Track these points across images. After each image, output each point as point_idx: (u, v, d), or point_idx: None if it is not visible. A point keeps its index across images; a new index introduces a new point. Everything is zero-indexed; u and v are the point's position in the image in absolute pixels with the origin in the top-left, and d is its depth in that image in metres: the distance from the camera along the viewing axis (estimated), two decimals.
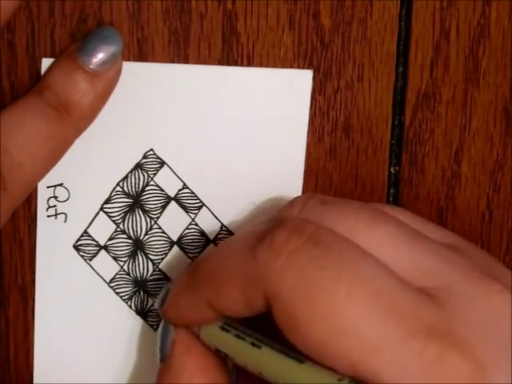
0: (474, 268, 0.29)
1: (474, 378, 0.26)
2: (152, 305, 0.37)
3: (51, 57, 0.34)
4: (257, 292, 0.29)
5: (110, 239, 0.37)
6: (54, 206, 0.36)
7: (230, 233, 0.37)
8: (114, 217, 0.36)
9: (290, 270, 0.28)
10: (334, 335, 0.27)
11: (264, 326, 0.30)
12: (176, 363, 0.32)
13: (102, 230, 0.36)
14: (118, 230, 0.36)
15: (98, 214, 0.36)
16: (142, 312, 0.37)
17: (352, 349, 0.27)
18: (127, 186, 0.36)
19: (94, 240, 0.36)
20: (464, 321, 0.27)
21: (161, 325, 0.33)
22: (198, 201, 0.37)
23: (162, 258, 0.37)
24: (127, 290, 0.37)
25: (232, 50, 0.35)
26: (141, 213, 0.36)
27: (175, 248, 0.37)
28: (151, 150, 0.36)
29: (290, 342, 0.28)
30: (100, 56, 0.33)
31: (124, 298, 0.37)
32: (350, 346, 0.27)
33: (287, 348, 0.29)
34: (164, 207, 0.36)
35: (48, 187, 0.36)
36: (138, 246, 0.37)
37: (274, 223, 0.29)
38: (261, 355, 0.29)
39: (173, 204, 0.36)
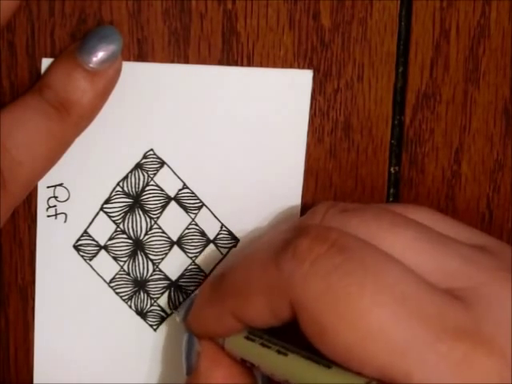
0: (500, 268, 0.29)
1: (502, 378, 0.26)
2: (152, 305, 0.37)
3: (51, 57, 0.34)
4: (282, 301, 0.29)
5: (110, 239, 0.36)
6: (54, 205, 0.36)
7: (229, 233, 0.37)
8: (114, 217, 0.36)
9: (314, 278, 0.28)
10: (361, 340, 0.27)
11: (285, 335, 0.30)
12: (203, 375, 0.32)
13: (102, 230, 0.36)
14: (118, 229, 0.36)
15: (97, 214, 0.36)
16: (141, 312, 0.37)
17: (380, 353, 0.27)
18: (127, 186, 0.36)
19: (94, 240, 0.36)
20: (491, 321, 0.27)
21: (185, 337, 0.33)
22: (197, 201, 0.37)
23: (162, 258, 0.37)
24: (127, 289, 0.37)
25: (232, 50, 0.35)
26: (141, 213, 0.36)
27: (175, 248, 0.37)
28: (151, 150, 0.36)
29: (315, 349, 0.28)
30: (100, 55, 0.33)
31: (124, 297, 0.37)
32: (377, 350, 0.27)
33: (313, 354, 0.29)
34: (164, 207, 0.36)
35: (48, 187, 0.36)
36: (138, 246, 0.37)
37: (296, 232, 0.29)
38: (288, 362, 0.29)
39: (173, 204, 0.36)
